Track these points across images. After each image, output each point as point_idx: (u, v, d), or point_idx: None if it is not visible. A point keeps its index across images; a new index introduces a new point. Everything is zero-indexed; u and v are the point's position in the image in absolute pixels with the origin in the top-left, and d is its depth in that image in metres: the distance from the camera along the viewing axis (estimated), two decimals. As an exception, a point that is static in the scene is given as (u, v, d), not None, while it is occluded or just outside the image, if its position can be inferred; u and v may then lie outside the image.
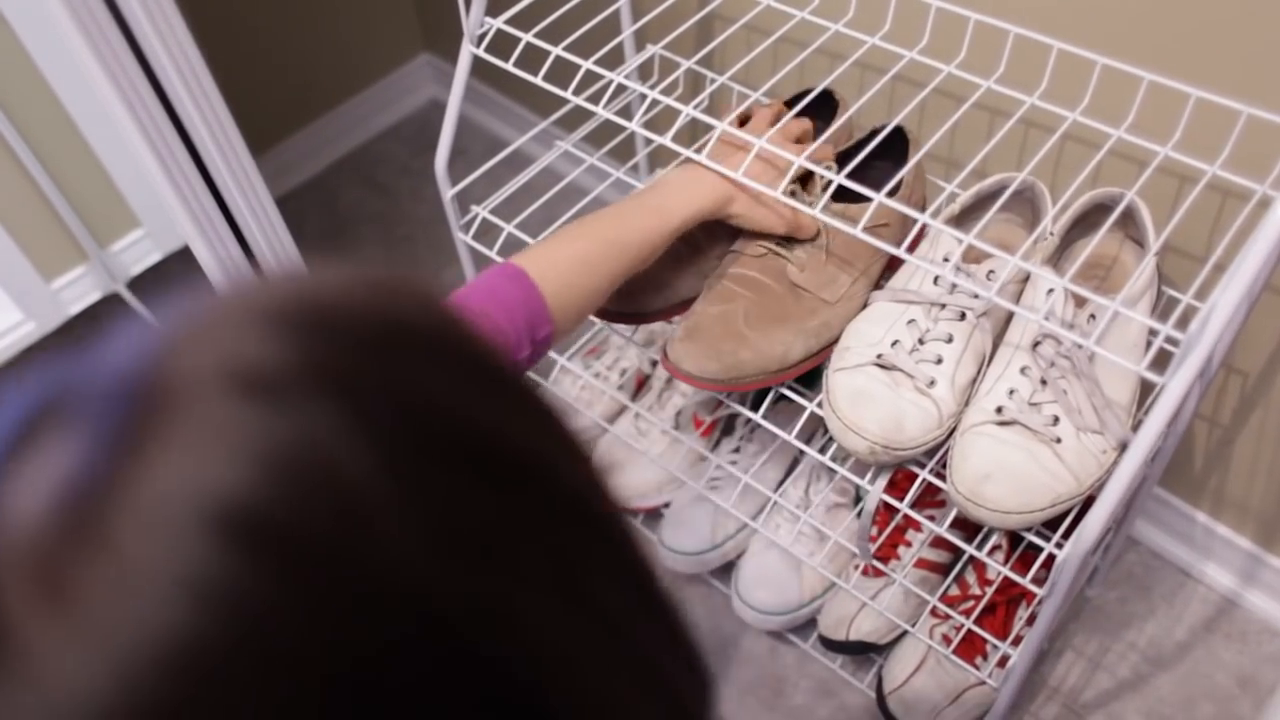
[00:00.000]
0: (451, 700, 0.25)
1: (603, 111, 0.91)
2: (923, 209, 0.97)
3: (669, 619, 0.34)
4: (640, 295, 0.93)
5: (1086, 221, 0.91)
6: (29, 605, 0.22)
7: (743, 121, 0.93)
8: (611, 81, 0.89)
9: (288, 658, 0.23)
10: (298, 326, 0.26)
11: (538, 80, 0.87)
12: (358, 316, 0.27)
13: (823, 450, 0.94)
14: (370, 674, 0.24)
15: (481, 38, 0.96)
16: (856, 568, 1.15)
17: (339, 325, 0.26)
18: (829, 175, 0.83)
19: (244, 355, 0.25)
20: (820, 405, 0.88)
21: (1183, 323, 0.69)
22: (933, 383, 0.84)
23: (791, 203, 0.84)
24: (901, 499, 0.87)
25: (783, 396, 0.94)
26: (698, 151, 0.86)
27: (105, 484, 0.23)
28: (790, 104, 0.98)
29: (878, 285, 0.94)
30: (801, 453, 1.21)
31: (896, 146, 0.97)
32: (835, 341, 0.90)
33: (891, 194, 0.91)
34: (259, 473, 0.24)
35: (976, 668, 1.06)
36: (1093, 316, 0.81)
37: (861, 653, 1.15)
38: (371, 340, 0.26)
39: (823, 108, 1.01)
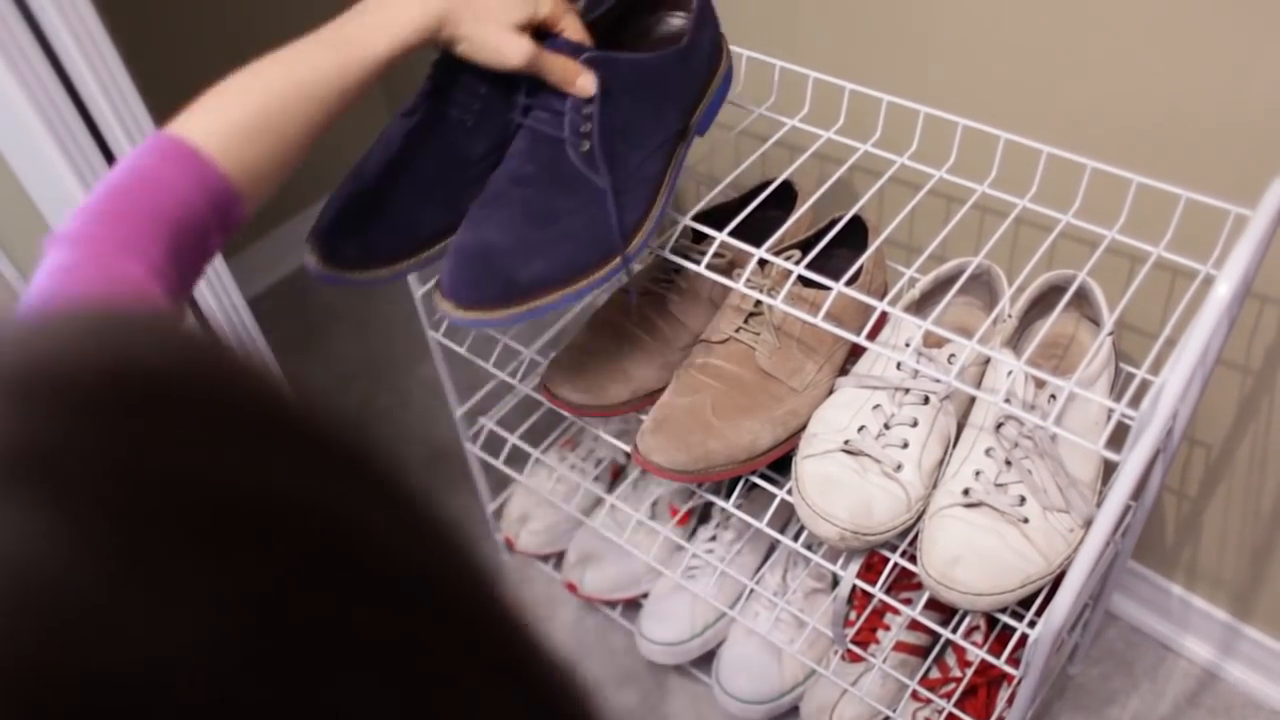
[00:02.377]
0: None
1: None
2: (883, 294, 0.99)
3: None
4: (609, 388, 0.94)
5: (1044, 302, 0.94)
6: None
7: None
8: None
9: None
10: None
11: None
12: (65, 374, 0.21)
13: (796, 536, 0.94)
14: None
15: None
16: (836, 653, 1.14)
17: (39, 390, 0.21)
18: (789, 266, 0.85)
19: None
20: (790, 492, 0.89)
21: (1139, 399, 0.70)
22: (900, 467, 0.85)
23: (751, 292, 0.86)
24: (877, 582, 0.87)
25: (755, 484, 0.95)
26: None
27: None
28: (752, 195, 1.01)
29: (843, 371, 0.95)
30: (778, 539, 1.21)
31: (857, 234, 1.00)
32: (803, 429, 0.91)
33: (852, 281, 0.93)
34: None
35: (961, 752, 1.05)
36: (1053, 396, 0.82)
37: (845, 740, 1.13)
38: (83, 401, 0.21)
39: (784, 198, 1.04)
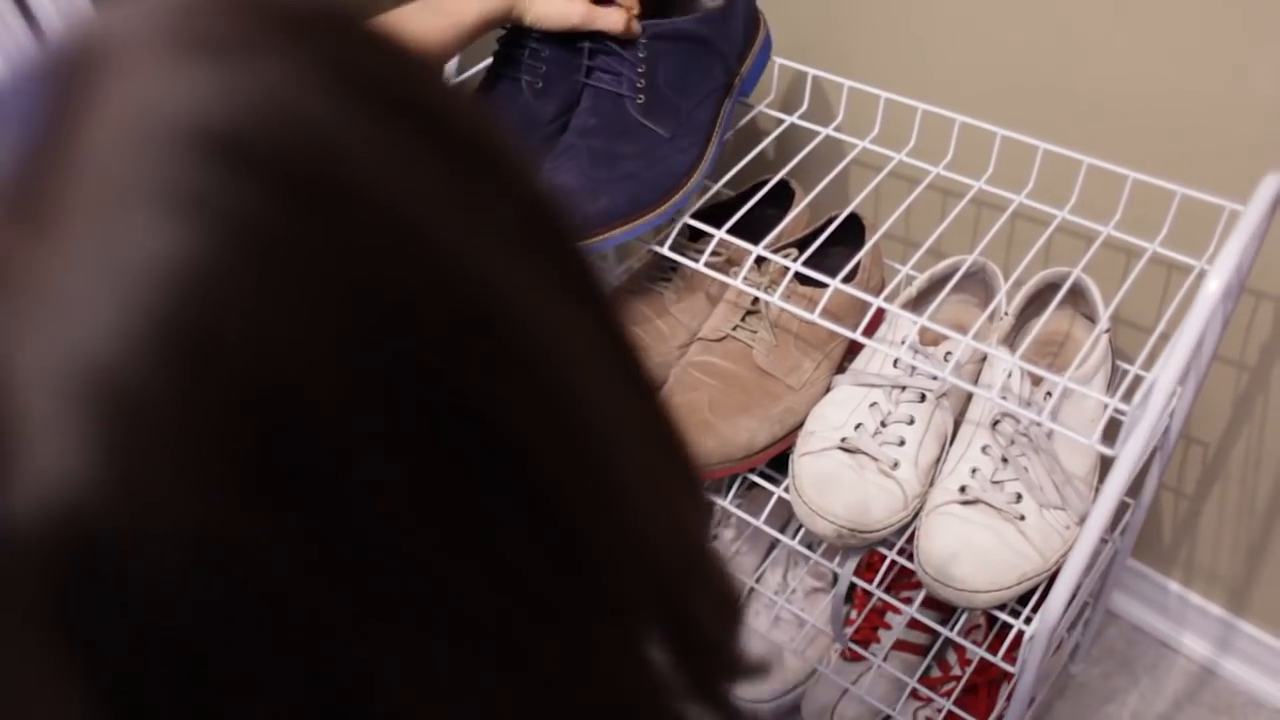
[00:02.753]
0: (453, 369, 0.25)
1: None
2: (880, 292, 0.99)
3: (659, 405, 0.33)
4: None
5: (1040, 299, 0.94)
6: (15, 235, 0.22)
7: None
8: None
9: (301, 286, 0.22)
10: (244, 5, 0.26)
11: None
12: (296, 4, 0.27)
13: (795, 535, 0.94)
14: (397, 307, 0.23)
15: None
16: (837, 652, 1.14)
17: (285, 5, 0.26)
18: (786, 263, 0.85)
19: (189, 21, 0.25)
20: (788, 490, 0.89)
21: (1132, 394, 0.70)
22: (896, 464, 0.85)
23: (749, 289, 0.86)
24: (875, 580, 0.88)
25: (754, 483, 0.95)
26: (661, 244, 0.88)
27: (66, 115, 0.23)
28: (749, 193, 1.01)
29: (840, 368, 0.95)
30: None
31: (854, 231, 1.00)
32: (800, 426, 0.91)
33: (849, 278, 0.94)
34: (225, 100, 0.23)
35: (960, 750, 1.05)
36: (1049, 393, 0.82)
37: (845, 739, 1.13)
38: (323, 21, 0.27)
39: (781, 196, 1.04)
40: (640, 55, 0.84)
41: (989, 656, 0.87)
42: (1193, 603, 1.18)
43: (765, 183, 1.01)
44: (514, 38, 0.87)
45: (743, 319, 0.94)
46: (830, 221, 0.94)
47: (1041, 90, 0.93)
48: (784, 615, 1.16)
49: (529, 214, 0.29)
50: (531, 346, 0.27)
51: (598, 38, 0.85)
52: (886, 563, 0.87)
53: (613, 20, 0.85)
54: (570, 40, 0.86)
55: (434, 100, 0.28)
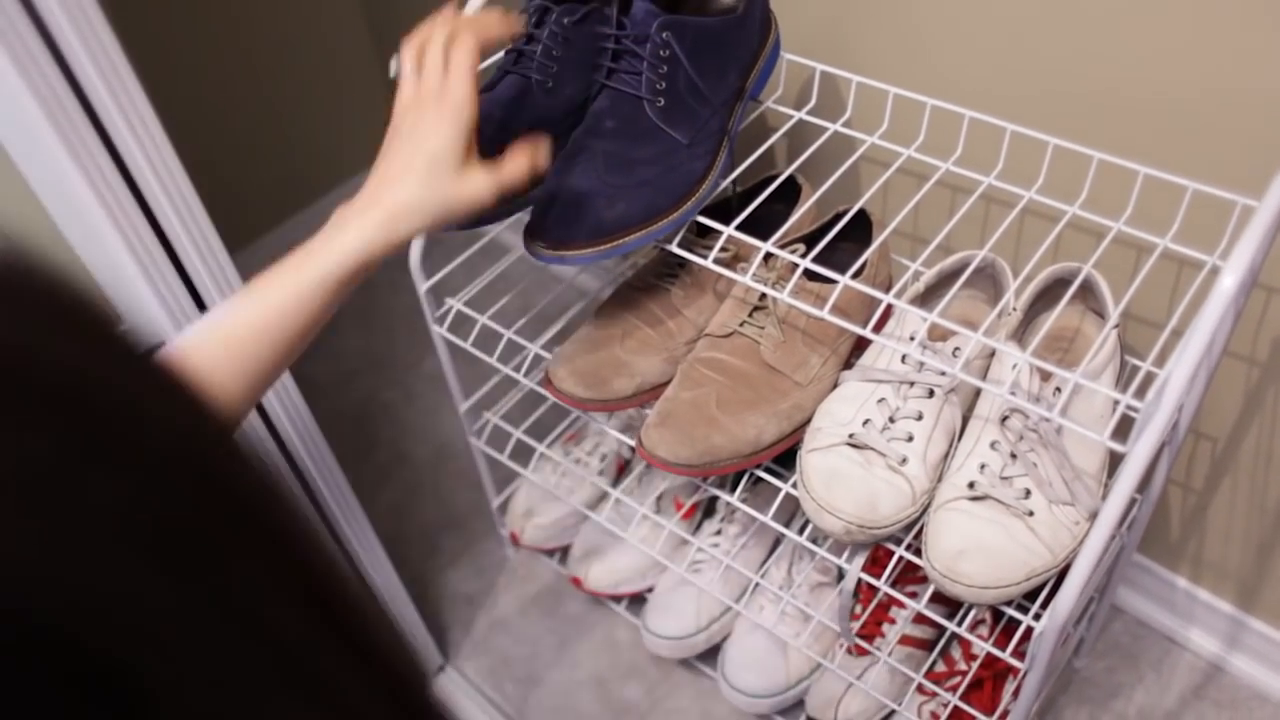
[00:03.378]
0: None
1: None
2: (888, 288, 0.99)
3: (357, 630, 0.29)
4: (612, 381, 0.94)
5: (1049, 295, 0.93)
6: None
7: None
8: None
9: None
10: None
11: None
12: None
13: (801, 530, 0.94)
14: None
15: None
16: (842, 647, 1.14)
17: None
18: (794, 259, 0.85)
19: None
20: (795, 486, 0.89)
21: (1144, 390, 0.70)
22: (905, 460, 0.85)
23: (757, 285, 0.86)
24: (882, 576, 0.87)
25: (760, 478, 0.95)
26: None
27: None
28: (755, 190, 1.01)
29: (847, 364, 0.95)
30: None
31: (862, 228, 1.00)
32: (807, 422, 0.91)
33: (857, 274, 0.93)
34: None
35: (966, 745, 1.05)
36: (1058, 389, 0.82)
37: (851, 733, 1.13)
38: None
39: (788, 192, 1.04)
40: (662, 55, 0.83)
41: (996, 651, 0.87)
42: (1201, 599, 1.18)
43: (773, 179, 1.01)
44: (520, 51, 0.88)
45: (750, 315, 0.93)
46: (838, 217, 0.94)
47: (1051, 85, 0.93)
48: (789, 610, 1.17)
49: (188, 492, 0.24)
50: None
51: (621, 39, 0.85)
52: (895, 558, 0.87)
53: (522, 170, 0.72)
54: (590, 40, 0.86)
55: (56, 373, 0.23)
